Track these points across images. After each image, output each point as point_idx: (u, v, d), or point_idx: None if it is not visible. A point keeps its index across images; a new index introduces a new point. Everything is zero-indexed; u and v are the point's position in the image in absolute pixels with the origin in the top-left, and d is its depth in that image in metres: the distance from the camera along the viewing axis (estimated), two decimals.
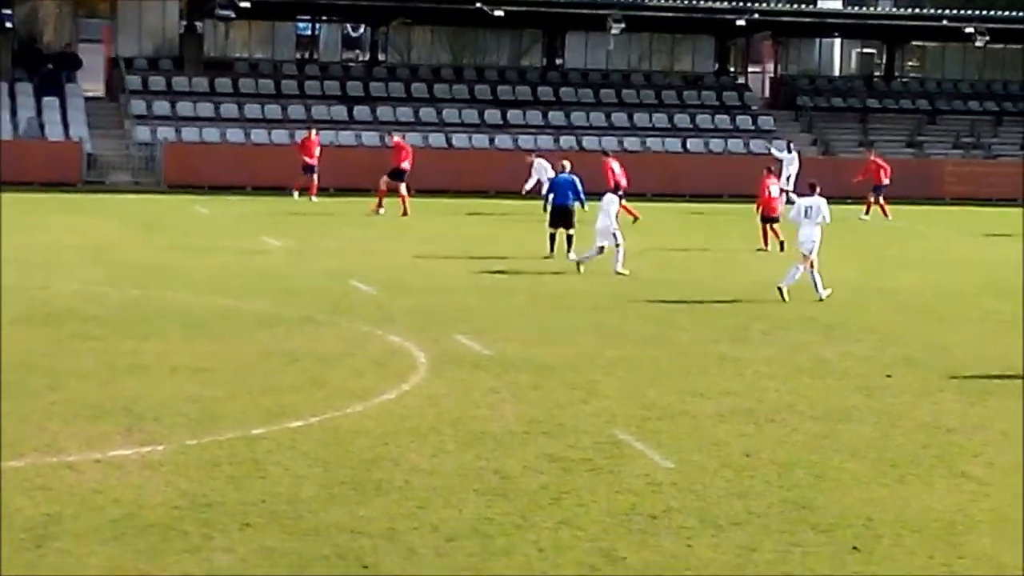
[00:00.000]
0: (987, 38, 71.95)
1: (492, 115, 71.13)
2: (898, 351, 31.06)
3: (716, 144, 69.37)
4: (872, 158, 60.00)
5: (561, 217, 44.22)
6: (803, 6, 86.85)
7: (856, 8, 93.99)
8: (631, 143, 68.98)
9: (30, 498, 18.74)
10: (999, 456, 22.87)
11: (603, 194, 41.34)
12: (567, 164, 46.39)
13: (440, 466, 20.98)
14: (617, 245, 39.56)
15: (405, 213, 55.88)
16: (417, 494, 19.61)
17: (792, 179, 57.37)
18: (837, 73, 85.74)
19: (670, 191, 63.50)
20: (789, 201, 48.56)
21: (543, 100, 72.87)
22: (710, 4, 75.58)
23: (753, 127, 72.05)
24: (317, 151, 60.83)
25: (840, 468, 21.81)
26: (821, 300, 36.78)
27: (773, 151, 61.52)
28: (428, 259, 44.29)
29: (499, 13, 70.84)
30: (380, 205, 56.62)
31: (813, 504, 19.96)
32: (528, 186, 57.99)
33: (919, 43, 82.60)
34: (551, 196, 45.43)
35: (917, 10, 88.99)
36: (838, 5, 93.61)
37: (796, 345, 31.41)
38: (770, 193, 47.49)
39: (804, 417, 24.79)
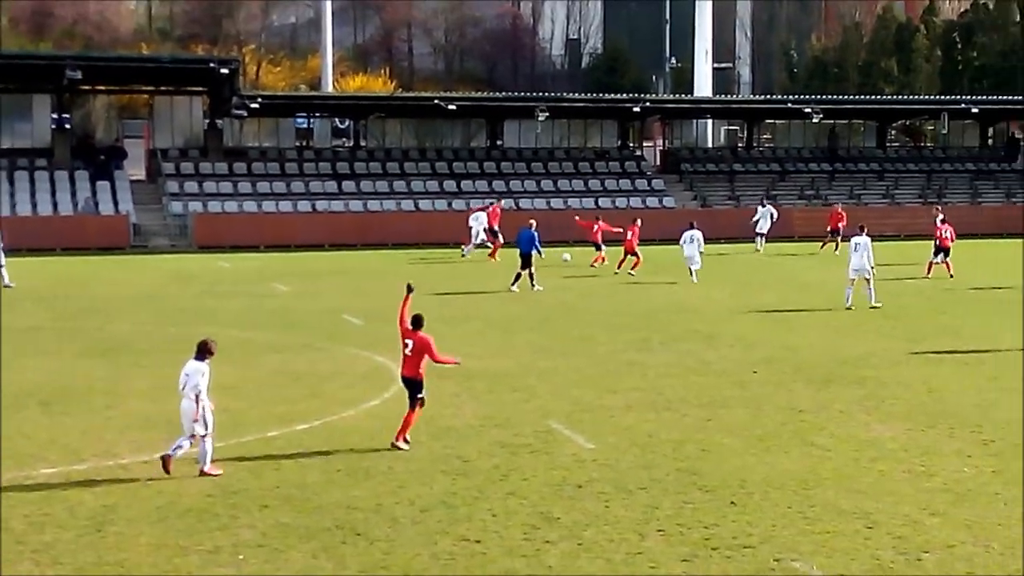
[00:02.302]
0: (821, 115, 72.44)
1: (449, 184, 71.08)
2: (761, 353, 31.14)
3: (620, 201, 69.49)
4: (837, 209, 60.61)
5: (525, 262, 44.30)
6: (683, 95, 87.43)
7: (723, 96, 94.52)
8: (556, 203, 69.19)
9: (92, 493, 18.64)
10: (839, 429, 23.01)
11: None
12: (533, 223, 46.56)
13: (415, 454, 20.94)
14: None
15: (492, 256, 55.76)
16: (398, 476, 19.58)
17: (767, 227, 56.32)
18: (710, 144, 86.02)
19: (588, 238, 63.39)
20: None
21: (488, 172, 72.85)
22: (613, 96, 76.06)
23: (648, 188, 72.24)
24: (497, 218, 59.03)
25: (720, 443, 21.86)
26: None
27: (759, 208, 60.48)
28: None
29: (452, 107, 71.22)
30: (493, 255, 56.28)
31: (700, 471, 20.00)
32: (475, 240, 58.08)
33: (771, 120, 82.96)
34: (519, 247, 45.32)
35: (769, 96, 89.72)
36: (710, 94, 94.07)
37: (686, 352, 31.44)
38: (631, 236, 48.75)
39: (693, 405, 24.85)
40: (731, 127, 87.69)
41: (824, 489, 19.06)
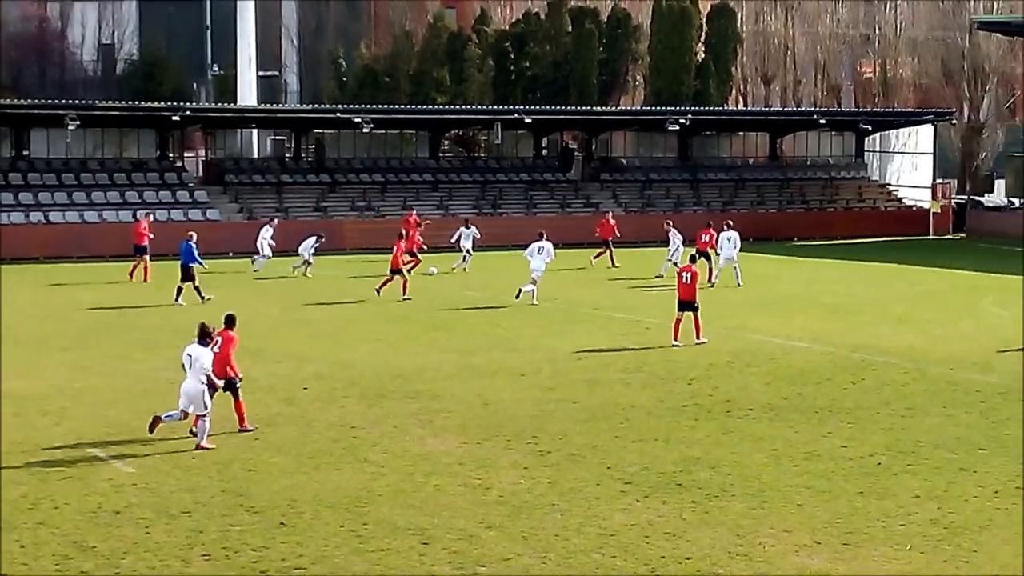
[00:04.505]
0: (372, 125, 73.08)
1: None
2: (312, 368, 31.22)
3: (161, 214, 68.31)
4: (609, 218, 60.61)
5: (186, 274, 44.88)
6: (226, 104, 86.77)
7: (269, 105, 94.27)
8: (90, 216, 67.45)
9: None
10: (392, 445, 23.31)
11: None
12: (193, 235, 46.79)
13: None
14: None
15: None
16: None
17: (678, 250, 55.59)
18: (256, 155, 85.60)
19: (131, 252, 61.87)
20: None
21: (14, 184, 70.18)
22: (151, 104, 74.75)
23: (190, 200, 71.19)
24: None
25: (268, 462, 21.79)
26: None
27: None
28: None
29: None
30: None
31: (247, 492, 19.89)
32: None
33: (319, 130, 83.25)
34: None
35: (316, 105, 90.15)
36: (255, 103, 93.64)
37: None
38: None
39: (234, 422, 24.57)
40: (278, 137, 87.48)
41: (378, 506, 19.23)
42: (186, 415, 23.14)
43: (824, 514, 19.10)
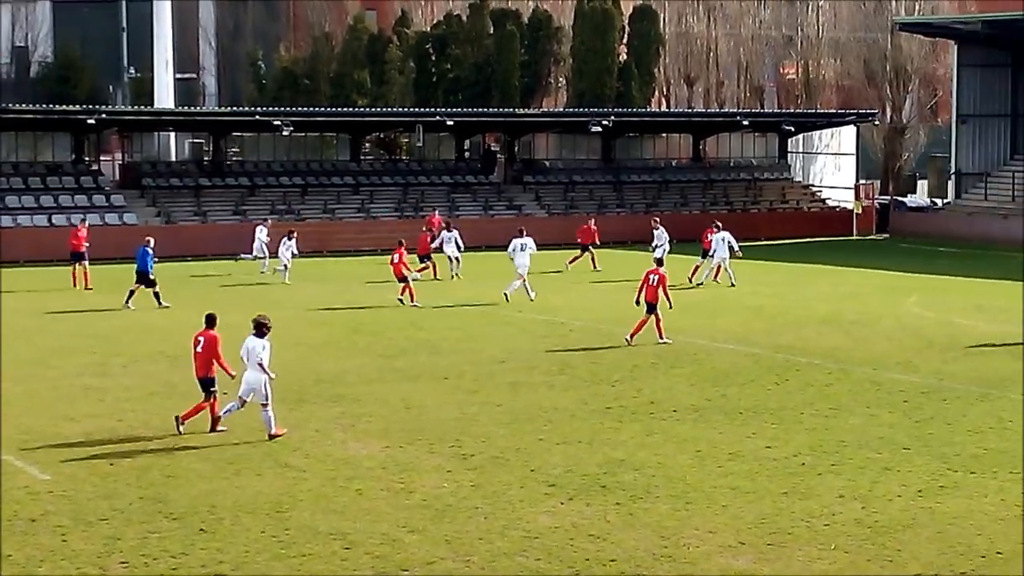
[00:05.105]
0: (292, 128, 72.86)
1: None
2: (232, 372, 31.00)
3: (77, 219, 67.76)
4: (592, 224, 60.29)
5: (141, 279, 44.50)
6: (143, 107, 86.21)
7: (186, 107, 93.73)
8: (6, 221, 66.86)
9: None
10: (314, 449, 23.28)
11: None
12: (150, 240, 46.36)
13: None
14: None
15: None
16: None
17: (663, 249, 55.25)
18: (174, 158, 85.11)
19: (46, 257, 61.21)
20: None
21: None
22: (65, 108, 74.22)
23: (107, 204, 70.67)
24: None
25: (188, 468, 21.69)
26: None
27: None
28: None
29: None
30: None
31: (167, 498, 19.79)
32: None
33: (239, 133, 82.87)
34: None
35: (236, 108, 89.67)
36: (172, 106, 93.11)
37: (149, 374, 31.00)
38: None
39: (157, 430, 24.51)
40: (196, 140, 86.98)
41: (300, 511, 19.20)
42: (244, 403, 24.34)
43: (748, 515, 19.24)
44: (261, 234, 58.04)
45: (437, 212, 64.67)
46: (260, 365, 24.21)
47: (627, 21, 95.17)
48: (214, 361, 24.76)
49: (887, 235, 78.63)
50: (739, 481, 21.14)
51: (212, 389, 24.74)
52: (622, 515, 19.24)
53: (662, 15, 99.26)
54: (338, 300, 45.55)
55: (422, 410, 26.97)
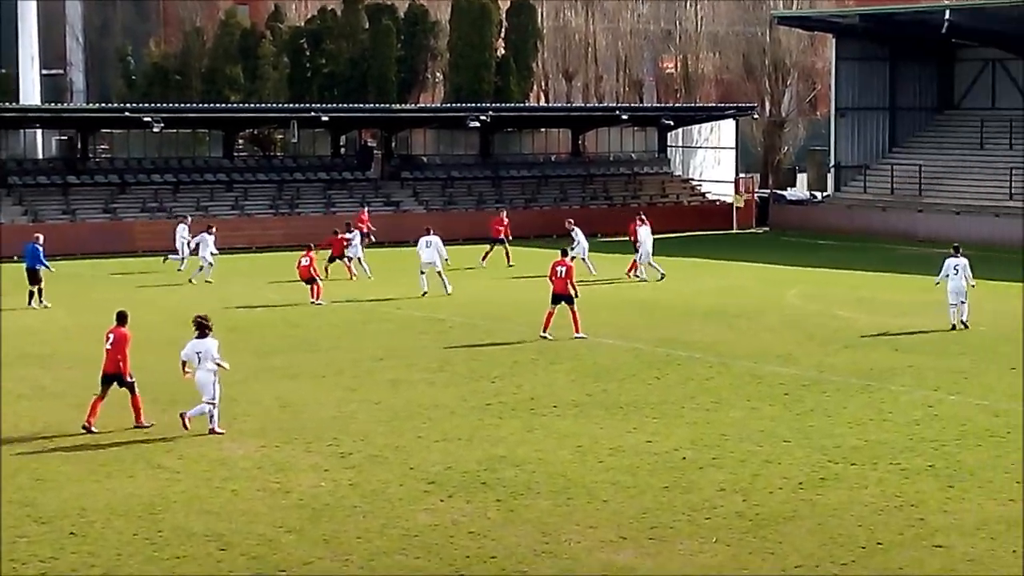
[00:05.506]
0: (163, 125, 72.10)
1: None
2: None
3: None
4: (503, 217, 59.76)
5: (32, 277, 43.86)
6: (9, 103, 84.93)
7: (53, 104, 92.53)
8: None
9: None
10: (189, 450, 23.09)
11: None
12: (39, 236, 45.91)
13: None
14: None
15: None
16: None
17: (583, 248, 54.44)
18: (41, 156, 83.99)
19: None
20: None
21: None
22: None
23: None
24: None
25: (57, 471, 21.39)
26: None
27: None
28: None
29: None
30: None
31: (35, 502, 19.51)
32: None
33: (108, 130, 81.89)
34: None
35: (105, 104, 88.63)
36: (38, 102, 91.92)
37: (19, 377, 30.50)
38: None
39: (25, 433, 24.21)
40: (63, 137, 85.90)
41: (173, 513, 19.00)
42: (214, 404, 24.49)
43: (630, 509, 19.32)
44: (183, 232, 57.40)
45: (367, 210, 64.41)
46: (217, 363, 24.80)
47: (505, 16, 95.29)
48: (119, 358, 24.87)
49: (767, 228, 79.34)
50: (620, 476, 21.22)
51: (129, 382, 24.91)
52: (503, 512, 19.24)
53: (540, 9, 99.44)
54: (212, 298, 45.12)
55: (299, 409, 26.81)
